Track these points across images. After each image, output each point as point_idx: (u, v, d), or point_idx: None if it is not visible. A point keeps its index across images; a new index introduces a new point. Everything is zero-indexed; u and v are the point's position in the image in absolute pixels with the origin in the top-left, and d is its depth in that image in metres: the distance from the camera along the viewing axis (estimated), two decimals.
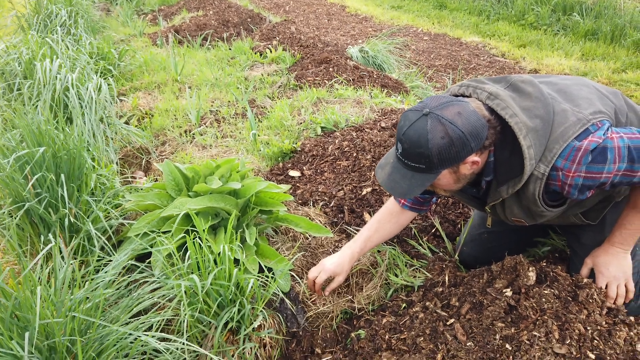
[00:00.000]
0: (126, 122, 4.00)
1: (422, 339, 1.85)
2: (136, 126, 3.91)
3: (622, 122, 1.76)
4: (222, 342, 1.88)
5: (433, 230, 2.47)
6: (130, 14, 8.01)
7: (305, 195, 2.80)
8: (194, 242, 1.92)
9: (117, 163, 3.27)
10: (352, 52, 5.55)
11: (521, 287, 1.83)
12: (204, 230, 2.09)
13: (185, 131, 3.72)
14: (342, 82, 4.44)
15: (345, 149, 3.03)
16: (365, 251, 2.21)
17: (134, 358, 1.71)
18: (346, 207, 2.63)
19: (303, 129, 3.46)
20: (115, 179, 2.83)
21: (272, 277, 2.10)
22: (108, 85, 4.56)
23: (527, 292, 1.80)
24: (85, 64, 3.92)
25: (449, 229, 2.46)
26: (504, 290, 1.85)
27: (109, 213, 2.42)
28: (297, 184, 2.92)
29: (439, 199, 2.64)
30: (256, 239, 2.24)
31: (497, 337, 1.71)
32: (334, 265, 2.09)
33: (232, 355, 1.93)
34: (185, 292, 1.82)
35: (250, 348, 1.96)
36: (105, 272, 2.04)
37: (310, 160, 3.10)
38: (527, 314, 1.74)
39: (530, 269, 1.85)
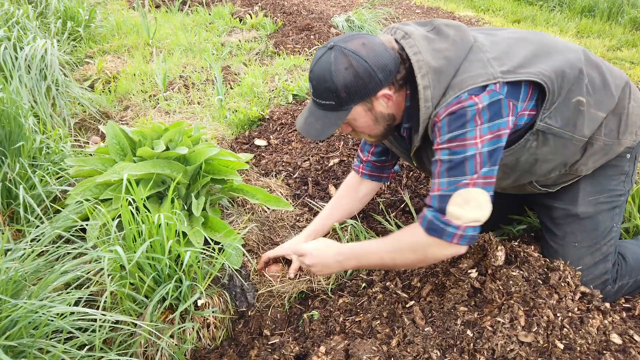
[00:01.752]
0: (90, 86, 3.77)
1: (378, 322, 1.68)
2: (101, 91, 3.67)
3: (573, 82, 1.58)
4: (156, 320, 1.70)
5: (402, 206, 2.29)
6: None
7: (269, 165, 2.60)
8: (132, 212, 1.72)
9: (72, 128, 3.05)
10: (337, 21, 5.29)
11: (488, 268, 1.65)
12: (143, 198, 1.90)
13: (150, 96, 3.49)
14: None
15: None
16: (325, 230, 2.08)
17: (53, 337, 1.54)
18: (310, 179, 2.44)
19: (274, 97, 3.24)
20: (66, 144, 2.62)
21: (221, 252, 1.91)
22: (74, 47, 4.32)
23: (493, 273, 1.63)
24: (26, 20, 3.63)
25: (420, 204, 2.27)
26: (469, 271, 1.67)
27: (49, 179, 2.21)
28: (262, 154, 2.72)
29: (399, 165, 2.48)
30: (205, 210, 2.05)
31: (459, 322, 1.54)
32: (286, 244, 2.02)
33: (171, 336, 1.76)
34: (121, 265, 1.64)
35: (192, 328, 1.79)
36: (29, 243, 1.85)
37: (278, 128, 2.89)
38: (492, 298, 1.56)
39: (499, 248, 1.68)
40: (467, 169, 1.50)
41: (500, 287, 1.57)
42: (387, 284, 1.85)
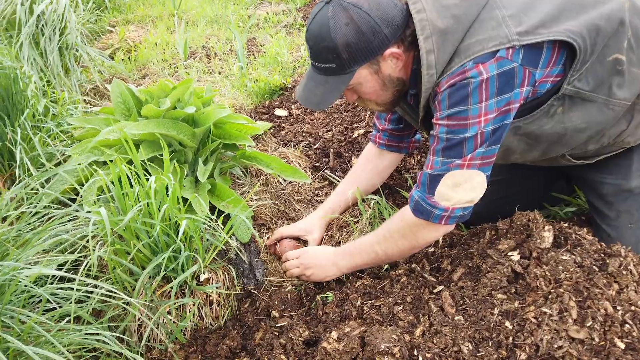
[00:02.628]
0: (110, 56, 3.63)
1: (400, 307, 1.46)
2: (121, 59, 3.54)
3: (610, 37, 1.32)
4: (150, 294, 1.52)
5: None
6: None
7: (288, 136, 2.39)
8: (130, 174, 1.55)
9: (87, 94, 2.92)
10: None
11: (532, 251, 1.41)
12: (144, 161, 1.72)
13: (170, 65, 3.33)
14: None
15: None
16: (342, 207, 1.89)
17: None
18: (332, 150, 2.22)
19: (299, 66, 3.02)
20: (77, 109, 2.48)
21: (228, 226, 1.72)
22: (98, 16, 4.19)
23: (539, 257, 1.38)
24: None
25: None
26: (510, 254, 1.43)
27: (50, 141, 2.06)
28: (282, 125, 2.51)
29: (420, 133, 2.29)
30: (213, 177, 1.86)
31: (496, 311, 1.30)
32: (301, 223, 1.85)
33: (169, 313, 1.58)
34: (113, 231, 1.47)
35: (192, 304, 1.60)
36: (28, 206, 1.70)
37: None
38: (537, 285, 1.32)
39: (547, 227, 1.43)
40: (464, 149, 1.34)
41: (547, 272, 1.33)
42: (413, 266, 1.63)
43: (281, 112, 2.59)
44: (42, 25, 2.72)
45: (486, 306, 1.32)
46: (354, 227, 1.82)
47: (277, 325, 1.59)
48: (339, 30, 1.30)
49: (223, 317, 1.66)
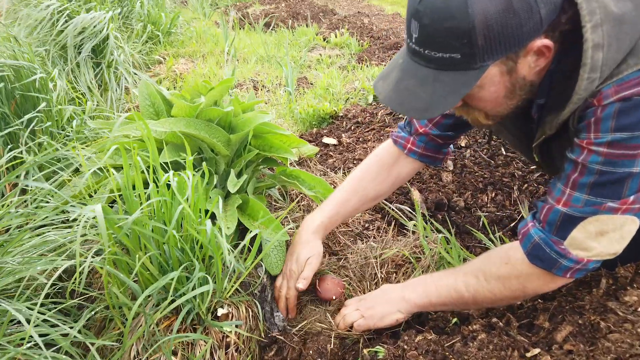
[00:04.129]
0: (157, 83, 3.50)
1: None
2: (167, 88, 3.39)
3: None
4: (153, 325, 1.18)
5: (512, 225, 1.67)
6: (205, 6, 7.78)
7: (337, 164, 2.08)
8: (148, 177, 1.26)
9: (122, 111, 2.73)
10: None
11: None
12: (167, 164, 1.44)
13: None
14: None
15: (399, 114, 2.29)
16: (338, 222, 1.53)
17: None
18: None
19: (351, 97, 2.76)
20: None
21: (256, 249, 1.39)
22: (150, 49, 4.13)
23: None
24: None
25: None
26: None
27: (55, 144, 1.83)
28: (330, 153, 2.21)
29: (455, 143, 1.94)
30: (245, 192, 1.55)
31: None
32: (306, 251, 1.42)
33: (174, 353, 1.23)
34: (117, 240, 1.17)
35: (203, 342, 1.25)
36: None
37: (352, 127, 2.38)
38: None
39: None
40: (624, 189, 0.97)
41: None
42: (493, 320, 1.23)
43: (330, 140, 2.29)
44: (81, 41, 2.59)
45: None
46: (416, 265, 1.44)
47: None
48: (478, 4, 0.90)
49: None
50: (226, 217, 1.39)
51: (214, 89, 1.61)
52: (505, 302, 1.23)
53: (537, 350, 1.08)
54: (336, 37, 4.76)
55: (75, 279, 1.10)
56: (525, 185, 1.79)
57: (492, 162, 1.88)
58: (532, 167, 1.85)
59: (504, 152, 1.92)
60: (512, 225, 1.66)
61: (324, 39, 4.88)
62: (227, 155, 1.56)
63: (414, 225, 1.55)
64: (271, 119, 1.56)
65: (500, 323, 1.22)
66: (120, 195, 1.25)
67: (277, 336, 1.33)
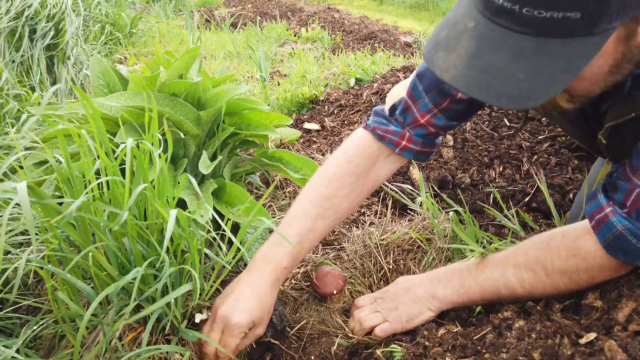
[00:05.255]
0: None
1: None
2: None
3: None
4: (110, 334, 0.94)
5: (527, 199, 1.48)
6: (167, 10, 7.52)
7: (323, 148, 1.87)
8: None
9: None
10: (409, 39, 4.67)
11: None
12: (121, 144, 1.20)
13: None
14: (389, 57, 3.54)
15: (387, 94, 2.10)
16: (301, 259, 1.14)
17: None
18: None
19: (330, 83, 2.55)
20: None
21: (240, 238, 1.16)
22: (109, 50, 3.87)
23: None
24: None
25: (555, 198, 1.46)
26: None
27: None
28: (314, 138, 2.00)
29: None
30: (221, 176, 1.32)
31: None
32: (249, 313, 1.01)
33: None
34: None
35: (179, 355, 1.01)
36: None
37: (335, 111, 2.18)
38: None
39: None
40: None
41: None
42: (528, 304, 1.03)
43: (312, 126, 2.08)
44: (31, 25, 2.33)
45: None
46: (428, 249, 1.23)
47: None
48: None
49: None
50: (199, 204, 1.16)
51: (178, 60, 1.38)
52: (561, 293, 1.02)
53: (593, 335, 0.88)
54: (307, 31, 4.57)
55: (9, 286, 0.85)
56: (535, 157, 1.61)
57: (496, 134, 1.70)
58: (540, 138, 1.67)
59: (508, 123, 1.74)
60: (526, 200, 1.47)
61: (295, 34, 4.69)
62: (197, 135, 1.33)
63: (419, 204, 1.35)
64: (247, 89, 1.34)
65: (538, 307, 1.02)
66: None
67: (272, 341, 1.10)
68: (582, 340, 0.88)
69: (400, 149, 1.16)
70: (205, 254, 1.07)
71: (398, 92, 1.18)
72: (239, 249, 1.09)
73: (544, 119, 1.75)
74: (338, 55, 3.46)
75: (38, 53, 2.25)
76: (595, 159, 1.46)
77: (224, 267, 1.04)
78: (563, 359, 0.86)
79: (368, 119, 1.19)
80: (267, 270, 1.05)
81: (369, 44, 3.96)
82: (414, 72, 1.15)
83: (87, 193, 0.84)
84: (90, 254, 0.93)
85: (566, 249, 0.96)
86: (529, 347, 0.90)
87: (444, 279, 1.09)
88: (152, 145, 0.96)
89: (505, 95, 0.74)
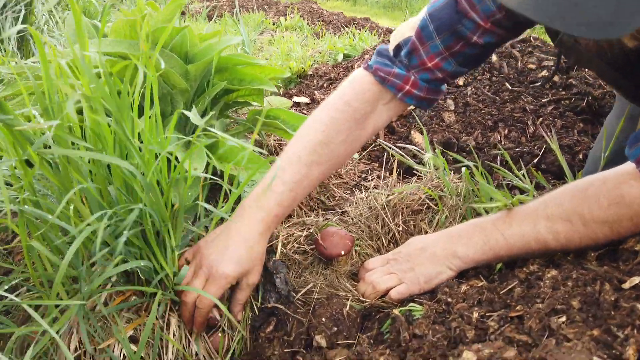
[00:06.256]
0: None
1: (564, 319, 0.77)
2: None
3: None
4: (100, 305, 0.82)
5: (535, 161, 1.41)
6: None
7: None
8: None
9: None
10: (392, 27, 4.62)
11: None
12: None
13: None
14: (375, 35, 3.47)
15: None
16: (292, 207, 1.05)
17: None
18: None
19: (317, 60, 2.46)
20: None
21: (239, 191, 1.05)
22: None
23: None
24: None
25: (565, 158, 1.39)
26: None
27: None
28: (304, 111, 1.90)
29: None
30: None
31: None
32: (238, 262, 0.93)
33: (135, 342, 0.87)
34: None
35: (167, 319, 0.89)
36: None
37: (325, 85, 2.08)
38: None
39: None
40: None
41: None
42: (556, 256, 0.95)
43: (301, 99, 1.98)
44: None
45: None
46: (440, 207, 1.15)
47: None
48: None
49: (229, 351, 0.95)
50: (191, 157, 1.05)
51: (162, 11, 1.27)
52: (595, 245, 0.93)
53: (638, 279, 0.80)
54: (287, 20, 4.48)
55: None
56: (540, 119, 1.54)
57: (497, 98, 1.63)
58: (543, 101, 1.60)
59: (510, 87, 1.67)
60: (535, 161, 1.40)
61: (273, 23, 4.59)
62: (185, 90, 1.21)
63: (426, 165, 1.26)
64: (239, 40, 1.23)
65: (569, 257, 0.94)
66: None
67: (277, 306, 0.99)
68: (626, 285, 0.80)
69: (404, 93, 1.07)
70: (205, 209, 0.96)
71: (403, 32, 1.09)
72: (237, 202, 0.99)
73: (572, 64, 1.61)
74: (321, 39, 3.37)
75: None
76: (600, 123, 1.40)
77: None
78: (606, 305, 0.77)
79: (370, 60, 1.10)
80: (257, 218, 0.96)
81: (351, 31, 3.89)
82: (424, 10, 1.06)
83: (62, 118, 0.72)
84: (72, 205, 0.81)
85: (607, 197, 0.87)
86: (566, 296, 0.82)
87: (465, 236, 1.00)
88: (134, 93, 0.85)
89: (584, 22, 0.62)
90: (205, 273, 0.91)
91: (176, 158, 1.06)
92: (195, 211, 1.06)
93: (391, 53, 1.08)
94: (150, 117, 0.87)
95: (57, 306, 0.87)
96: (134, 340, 0.88)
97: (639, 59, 0.95)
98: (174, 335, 0.90)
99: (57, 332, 0.85)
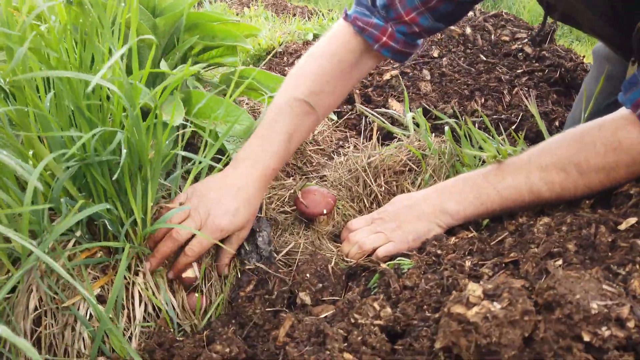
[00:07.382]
0: None
1: (561, 261, 0.75)
2: None
3: None
4: (63, 259, 0.74)
5: (513, 127, 1.40)
6: None
7: None
8: None
9: None
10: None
11: None
12: None
13: None
14: None
15: None
16: (292, 153, 1.04)
17: None
18: (357, 93, 1.55)
19: (286, 39, 2.41)
20: None
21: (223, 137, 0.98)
22: None
23: None
24: None
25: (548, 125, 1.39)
26: None
27: None
28: None
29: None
30: (186, 84, 1.14)
31: None
32: (235, 216, 0.88)
33: (102, 302, 0.79)
34: None
35: (141, 275, 0.82)
36: None
37: (296, 62, 2.03)
38: None
39: None
40: None
41: None
42: (546, 207, 0.93)
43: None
44: None
45: None
46: (424, 167, 1.11)
47: (316, 316, 0.82)
48: None
49: (209, 312, 0.88)
50: (167, 109, 0.98)
51: None
52: (597, 191, 0.91)
53: (633, 220, 0.78)
54: (251, 10, 4.40)
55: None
56: (515, 89, 1.53)
57: (473, 69, 1.62)
58: (518, 72, 1.60)
59: (484, 59, 1.66)
60: (512, 128, 1.39)
61: (237, 14, 4.50)
62: (153, 44, 1.13)
63: (406, 128, 1.22)
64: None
65: (560, 207, 0.92)
66: None
67: (258, 265, 0.92)
68: (622, 226, 0.78)
69: (380, 45, 1.05)
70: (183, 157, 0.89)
71: None
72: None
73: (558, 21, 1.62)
74: (288, 23, 3.32)
75: None
76: (573, 96, 1.40)
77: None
78: (603, 247, 0.75)
79: (349, 9, 1.06)
80: (254, 172, 0.92)
81: (319, 15, 3.85)
82: None
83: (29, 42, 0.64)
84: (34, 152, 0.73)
85: (604, 143, 0.85)
86: (562, 240, 0.80)
87: (455, 191, 0.96)
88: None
89: None
90: (197, 221, 0.86)
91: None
92: (168, 168, 0.99)
93: (369, 2, 1.05)
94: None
95: (14, 263, 0.78)
96: (101, 301, 0.80)
97: (623, 4, 0.94)
98: (141, 292, 0.82)
99: (15, 290, 0.77)
